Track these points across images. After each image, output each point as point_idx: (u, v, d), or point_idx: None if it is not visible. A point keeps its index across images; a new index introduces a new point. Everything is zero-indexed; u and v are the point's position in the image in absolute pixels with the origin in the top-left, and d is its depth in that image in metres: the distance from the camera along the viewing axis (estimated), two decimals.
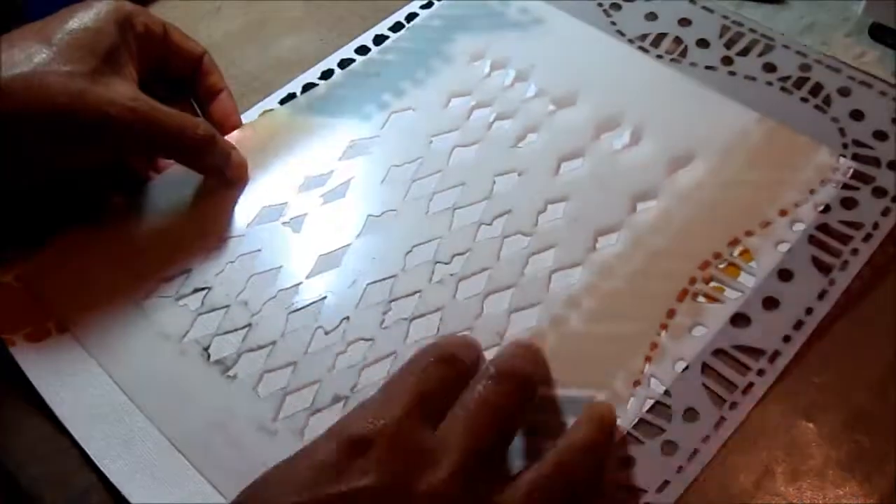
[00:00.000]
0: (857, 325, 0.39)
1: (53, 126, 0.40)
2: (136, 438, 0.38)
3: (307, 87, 0.51)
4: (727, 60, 0.50)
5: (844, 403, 0.37)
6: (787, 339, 0.39)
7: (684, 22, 0.52)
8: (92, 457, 0.37)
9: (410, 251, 0.43)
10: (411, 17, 0.55)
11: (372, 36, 0.54)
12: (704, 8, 0.53)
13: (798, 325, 0.39)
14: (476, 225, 0.44)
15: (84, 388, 0.39)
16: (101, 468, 0.37)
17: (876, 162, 0.45)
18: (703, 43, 0.51)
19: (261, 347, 0.40)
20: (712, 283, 0.41)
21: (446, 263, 0.43)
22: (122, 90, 0.41)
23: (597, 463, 0.34)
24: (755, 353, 0.39)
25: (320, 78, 0.51)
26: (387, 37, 0.53)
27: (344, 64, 0.52)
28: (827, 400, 0.37)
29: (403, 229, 0.44)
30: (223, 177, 0.46)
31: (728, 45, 0.51)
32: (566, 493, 0.32)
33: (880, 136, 0.46)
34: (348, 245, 0.44)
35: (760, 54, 0.50)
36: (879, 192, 0.44)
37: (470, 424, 0.32)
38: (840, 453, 0.36)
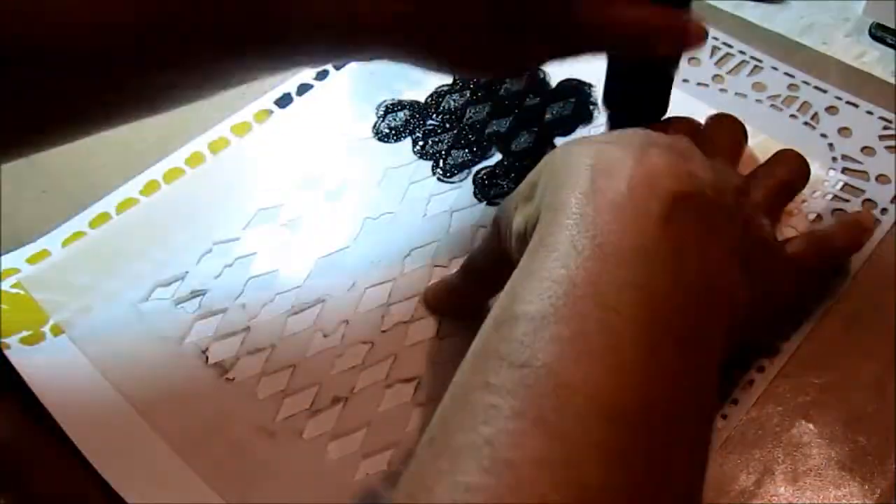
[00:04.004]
0: (856, 326, 0.40)
1: None
2: (134, 441, 0.37)
3: (302, 87, 0.51)
4: (718, 79, 0.51)
5: (844, 403, 0.37)
6: (786, 337, 0.39)
7: None
8: (89, 459, 0.37)
9: (409, 254, 0.43)
10: None
11: None
12: None
13: (796, 324, 0.40)
14: (475, 227, 0.44)
15: (81, 392, 0.39)
16: (99, 471, 0.36)
17: (864, 175, 0.46)
18: (694, 61, 0.52)
19: (259, 350, 0.40)
20: None
21: (444, 267, 0.43)
22: None
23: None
24: (755, 350, 0.39)
25: (315, 78, 0.52)
26: None
27: (339, 64, 0.53)
28: (827, 400, 0.37)
29: (401, 232, 0.44)
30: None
31: (718, 65, 0.52)
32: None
33: (868, 151, 0.47)
34: (346, 248, 0.44)
35: (749, 74, 0.51)
36: (869, 204, 0.45)
37: None
38: (840, 453, 0.36)
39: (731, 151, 0.42)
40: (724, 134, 0.42)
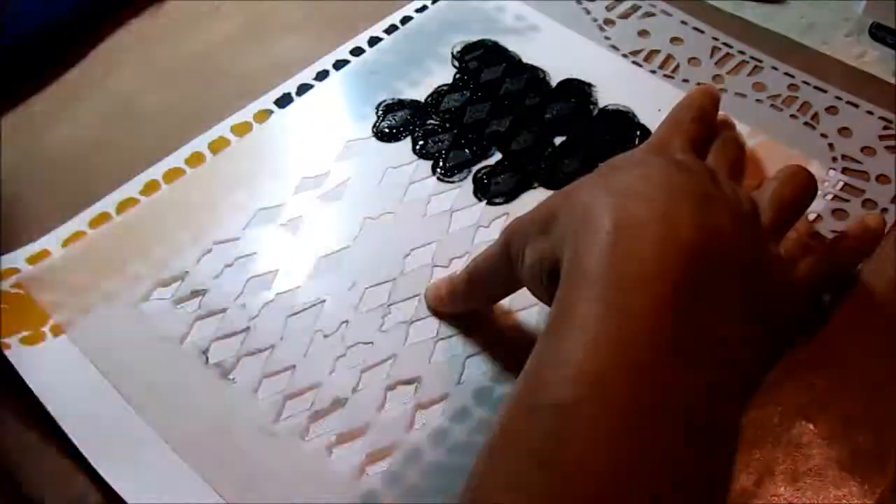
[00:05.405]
0: (856, 326, 0.40)
1: None
2: (134, 442, 0.37)
3: (302, 87, 0.51)
4: (718, 78, 0.51)
5: (844, 403, 0.37)
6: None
7: (676, 41, 0.53)
8: (90, 459, 0.37)
9: (409, 254, 0.43)
10: (406, 20, 0.55)
11: (367, 38, 0.54)
12: (696, 29, 0.54)
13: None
14: (474, 227, 0.44)
15: (81, 392, 0.39)
16: (99, 471, 0.36)
17: (865, 175, 0.46)
18: (694, 61, 0.52)
19: (260, 351, 0.40)
20: None
21: (444, 267, 0.43)
22: None
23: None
24: None
25: (315, 79, 0.52)
26: (381, 38, 0.54)
27: (339, 65, 0.53)
28: (827, 400, 0.37)
29: (401, 232, 0.44)
30: None
31: (718, 65, 0.52)
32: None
33: (868, 151, 0.47)
34: (346, 248, 0.44)
35: (749, 73, 0.51)
36: (869, 204, 0.45)
37: None
38: (840, 453, 0.36)
39: (736, 169, 0.41)
40: (729, 150, 0.42)
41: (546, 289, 0.32)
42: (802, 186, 0.39)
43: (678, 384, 0.28)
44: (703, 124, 0.41)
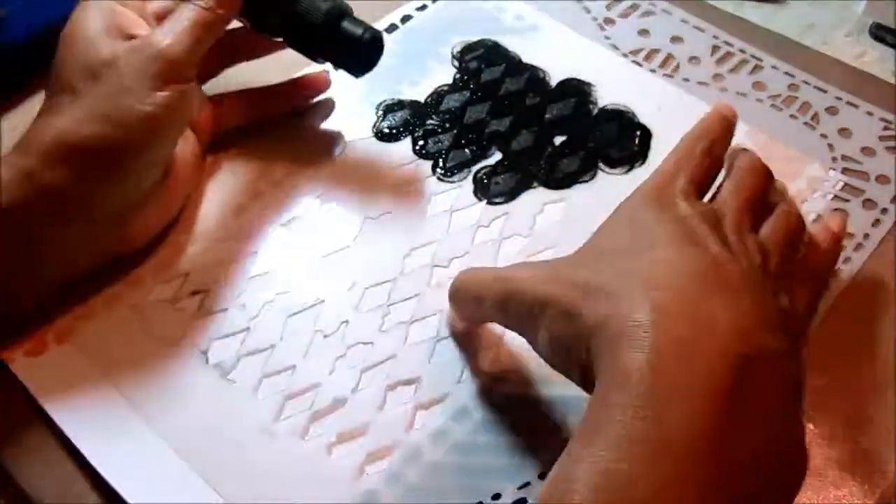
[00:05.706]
0: (856, 327, 0.40)
1: None
2: (135, 442, 0.37)
3: None
4: (718, 78, 0.51)
5: (844, 403, 0.37)
6: None
7: (676, 40, 0.53)
8: (90, 460, 0.37)
9: (409, 254, 0.43)
10: (406, 19, 0.55)
11: None
12: (696, 28, 0.54)
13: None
14: (474, 227, 0.44)
15: (82, 392, 0.39)
16: (101, 472, 0.36)
17: (865, 176, 0.46)
18: (694, 60, 0.52)
19: (260, 351, 0.40)
20: None
21: (444, 267, 0.43)
22: None
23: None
24: None
25: None
26: None
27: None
28: (827, 400, 0.37)
29: (401, 232, 0.44)
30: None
31: (719, 64, 0.52)
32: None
33: (868, 151, 0.47)
34: (346, 248, 0.44)
35: (750, 73, 0.51)
36: (869, 204, 0.45)
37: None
38: (840, 453, 0.36)
39: (751, 210, 0.37)
40: (749, 184, 0.38)
41: (579, 372, 0.32)
42: (800, 223, 0.37)
43: (716, 495, 0.27)
44: (713, 156, 0.39)
